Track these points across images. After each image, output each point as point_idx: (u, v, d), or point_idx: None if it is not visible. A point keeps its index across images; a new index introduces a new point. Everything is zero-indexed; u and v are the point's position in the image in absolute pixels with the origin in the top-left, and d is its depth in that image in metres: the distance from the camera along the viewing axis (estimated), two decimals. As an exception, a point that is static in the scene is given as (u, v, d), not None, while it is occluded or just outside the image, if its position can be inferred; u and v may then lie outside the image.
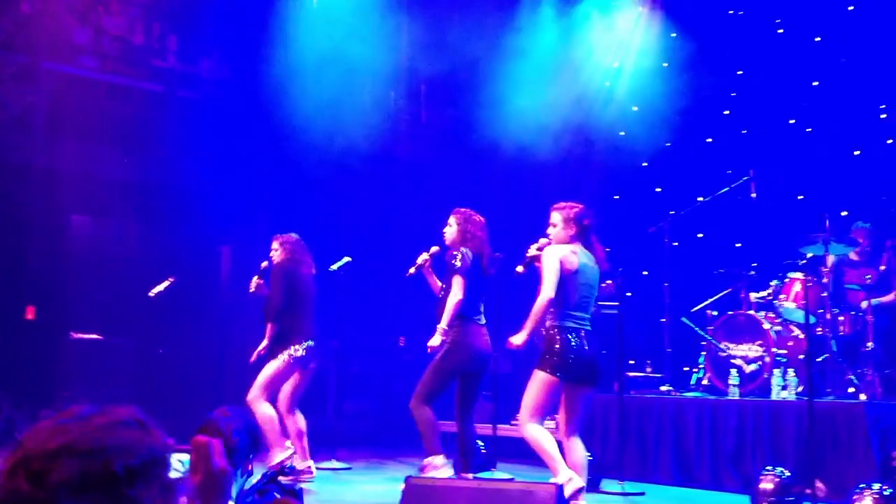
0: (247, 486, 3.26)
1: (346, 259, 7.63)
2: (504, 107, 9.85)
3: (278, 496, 3.27)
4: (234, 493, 3.17)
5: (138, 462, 1.18)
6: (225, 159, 9.94)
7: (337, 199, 10.04)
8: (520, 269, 5.50)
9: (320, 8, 10.32)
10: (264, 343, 6.76)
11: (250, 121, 9.99)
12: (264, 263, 6.93)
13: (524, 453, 5.28)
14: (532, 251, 5.50)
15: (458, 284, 6.01)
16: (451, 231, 6.27)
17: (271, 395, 6.65)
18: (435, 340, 6.04)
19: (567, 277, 5.28)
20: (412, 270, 6.36)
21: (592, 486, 6.71)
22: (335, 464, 7.53)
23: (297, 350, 6.68)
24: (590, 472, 6.72)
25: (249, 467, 3.24)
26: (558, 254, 5.33)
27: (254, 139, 10.08)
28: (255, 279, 6.90)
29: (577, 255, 5.35)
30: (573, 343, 5.25)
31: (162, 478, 1.21)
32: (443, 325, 6.03)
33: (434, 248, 6.38)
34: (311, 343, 6.74)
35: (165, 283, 7.08)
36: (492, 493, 4.73)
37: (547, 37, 10.34)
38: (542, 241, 5.51)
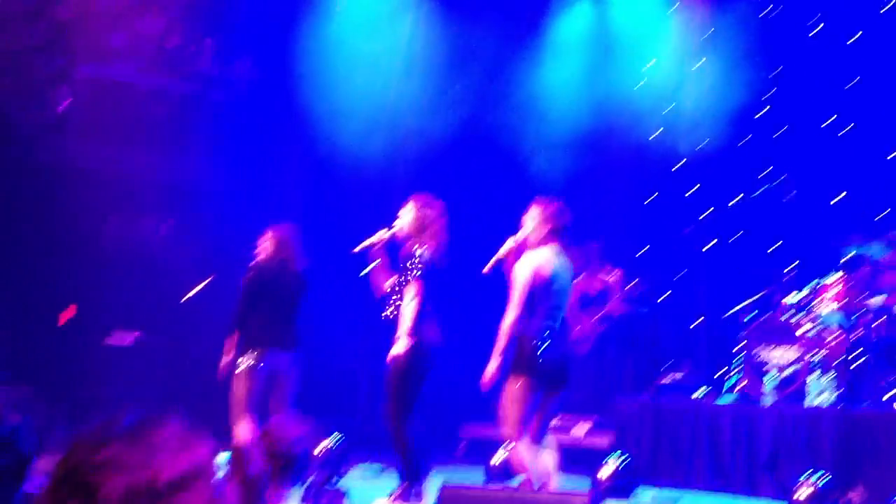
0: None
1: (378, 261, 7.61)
2: (535, 108, 9.82)
3: None
4: (298, 498, 3.22)
5: (183, 473, 1.18)
6: (259, 160, 10.00)
7: (370, 201, 10.05)
8: (486, 270, 5.38)
9: (353, 9, 10.34)
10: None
11: (284, 122, 10.04)
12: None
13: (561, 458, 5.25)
14: (502, 252, 5.37)
15: (416, 290, 5.69)
16: (407, 219, 5.83)
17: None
18: (400, 348, 5.76)
19: (540, 287, 5.18)
20: (357, 249, 5.79)
21: (626, 491, 6.68)
22: (369, 465, 7.54)
23: (251, 359, 6.22)
24: (624, 477, 6.71)
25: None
26: (532, 264, 5.21)
27: (288, 141, 10.14)
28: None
29: (552, 261, 5.24)
30: (544, 348, 5.19)
31: (206, 488, 1.20)
32: (404, 332, 5.74)
33: (386, 232, 5.77)
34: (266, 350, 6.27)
35: (202, 284, 7.10)
36: (526, 502, 4.71)
37: (579, 36, 10.28)
38: (520, 235, 5.37)
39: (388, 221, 6.41)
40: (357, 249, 5.86)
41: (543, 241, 5.28)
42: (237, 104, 10.34)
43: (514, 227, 5.47)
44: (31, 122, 9.50)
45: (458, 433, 8.85)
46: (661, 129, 9.64)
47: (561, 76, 9.98)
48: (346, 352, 9.89)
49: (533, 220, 5.32)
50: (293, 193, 10.28)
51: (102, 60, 10.16)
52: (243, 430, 5.99)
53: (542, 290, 5.19)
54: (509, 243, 5.36)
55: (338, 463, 7.17)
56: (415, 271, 5.71)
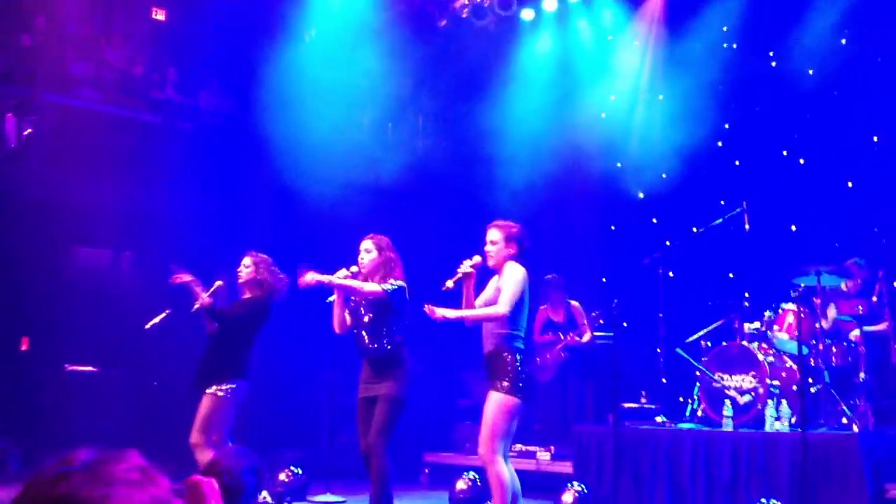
0: None
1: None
2: (499, 137, 9.94)
3: None
4: None
5: None
6: (223, 191, 9.98)
7: (336, 230, 10.08)
8: (449, 284, 5.22)
9: (317, 40, 10.43)
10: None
11: (248, 152, 10.06)
12: (219, 283, 6.49)
13: (521, 485, 5.23)
14: (465, 267, 5.26)
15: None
16: (370, 257, 5.82)
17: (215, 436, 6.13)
18: (400, 381, 5.67)
19: (523, 300, 5.22)
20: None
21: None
22: (329, 497, 7.51)
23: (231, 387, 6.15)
24: (586, 503, 6.75)
25: None
26: (523, 273, 5.22)
27: (252, 171, 10.14)
28: (204, 295, 6.33)
29: (526, 280, 5.27)
30: (526, 365, 5.21)
31: None
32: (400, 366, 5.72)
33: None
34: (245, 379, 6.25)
35: (161, 316, 7.05)
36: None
37: (544, 68, 10.45)
38: (477, 258, 5.31)
39: (349, 252, 6.45)
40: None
41: (507, 262, 5.29)
42: (201, 133, 10.34)
43: (472, 253, 5.43)
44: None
45: (421, 460, 8.85)
46: (620, 162, 9.80)
47: (522, 107, 10.12)
48: (308, 383, 9.86)
49: (495, 242, 5.32)
50: (256, 223, 10.27)
51: (66, 88, 10.13)
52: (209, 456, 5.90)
53: (523, 304, 5.21)
54: (468, 263, 5.30)
55: (297, 494, 7.16)
56: (399, 307, 5.74)
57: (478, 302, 5.34)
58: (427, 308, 5.15)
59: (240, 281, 6.45)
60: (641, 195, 9.81)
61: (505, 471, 5.09)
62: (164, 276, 9.68)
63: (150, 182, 9.93)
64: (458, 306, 5.30)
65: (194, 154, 9.88)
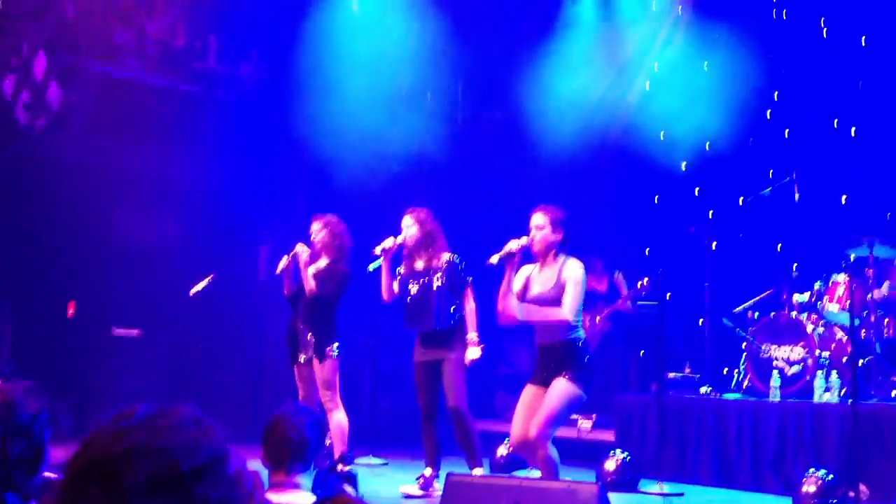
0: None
1: (382, 259, 7.62)
2: (541, 108, 9.83)
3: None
4: (309, 484, 3.25)
5: (204, 460, 1.19)
6: (263, 159, 10.01)
7: (374, 199, 10.06)
8: (494, 259, 5.13)
9: (359, 9, 10.37)
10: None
11: (288, 121, 10.05)
12: (301, 247, 6.59)
13: (559, 452, 5.20)
14: (512, 245, 5.13)
15: (471, 295, 6.13)
16: (411, 233, 6.15)
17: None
18: (476, 353, 6.11)
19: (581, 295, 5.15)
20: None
21: (630, 486, 6.67)
22: (372, 459, 7.54)
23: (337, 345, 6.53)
24: (628, 472, 6.71)
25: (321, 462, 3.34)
26: (583, 272, 5.15)
27: (291, 140, 10.14)
28: (286, 258, 6.57)
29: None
30: (590, 357, 5.20)
31: (226, 475, 1.21)
32: (474, 335, 6.12)
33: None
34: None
35: (206, 281, 7.11)
36: (534, 490, 4.69)
37: (586, 37, 10.31)
38: (524, 239, 5.20)
39: (397, 217, 6.48)
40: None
41: (554, 247, 5.20)
42: (241, 102, 10.36)
43: (515, 232, 5.36)
44: (36, 118, 9.52)
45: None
46: (666, 130, 9.67)
47: (564, 80, 10.00)
48: (349, 350, 9.87)
49: (541, 226, 5.19)
50: (293, 192, 10.29)
51: (108, 58, 10.18)
52: (342, 414, 6.31)
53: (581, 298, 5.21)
54: (515, 243, 5.20)
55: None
56: (467, 277, 6.12)
57: (534, 291, 5.22)
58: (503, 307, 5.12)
59: (317, 247, 6.55)
60: (684, 166, 9.67)
61: (555, 454, 5.07)
62: (206, 240, 9.78)
63: (192, 150, 10.01)
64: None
65: (234, 123, 9.92)
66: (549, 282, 5.17)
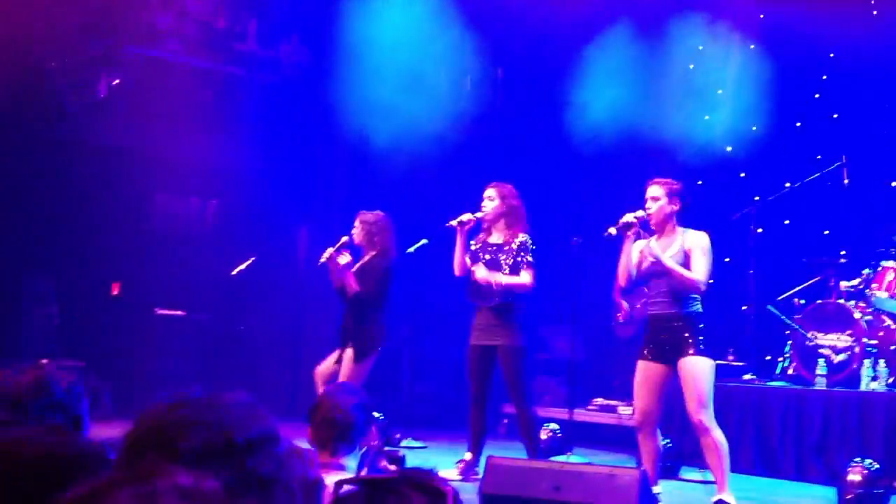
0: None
1: (423, 241, 7.59)
2: (582, 90, 9.72)
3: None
4: (354, 465, 3.24)
5: (256, 436, 1.23)
6: (303, 142, 10.02)
7: (413, 183, 10.03)
8: (612, 231, 5.18)
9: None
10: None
11: (328, 104, 10.04)
12: (345, 238, 6.68)
13: (600, 438, 5.17)
14: (629, 217, 5.19)
15: (533, 275, 6.06)
16: (492, 205, 6.10)
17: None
18: (481, 271, 6.08)
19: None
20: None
21: (672, 472, 6.61)
22: (412, 443, 7.55)
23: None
24: (669, 459, 6.64)
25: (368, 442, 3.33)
26: (709, 239, 5.15)
27: (331, 122, 10.13)
28: (329, 250, 6.61)
29: None
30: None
31: (277, 453, 1.25)
32: (496, 274, 6.09)
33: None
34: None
35: (247, 263, 7.16)
36: (574, 475, 4.64)
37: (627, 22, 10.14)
38: (640, 212, 5.25)
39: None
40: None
41: (671, 219, 5.18)
42: (282, 86, 10.37)
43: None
44: (78, 101, 9.59)
45: (500, 411, 8.80)
46: (710, 113, 9.51)
47: (606, 60, 9.85)
48: (389, 333, 9.89)
49: (657, 198, 5.21)
50: (337, 174, 10.29)
51: (150, 41, 10.23)
52: None
53: None
54: (631, 215, 5.23)
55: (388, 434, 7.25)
56: (528, 257, 6.02)
57: (668, 253, 5.20)
58: (646, 245, 5.10)
59: (356, 242, 6.64)
60: (729, 149, 9.50)
61: (722, 435, 5.10)
62: (247, 223, 9.83)
63: (232, 133, 10.04)
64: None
65: (274, 106, 9.93)
66: (671, 251, 5.17)
